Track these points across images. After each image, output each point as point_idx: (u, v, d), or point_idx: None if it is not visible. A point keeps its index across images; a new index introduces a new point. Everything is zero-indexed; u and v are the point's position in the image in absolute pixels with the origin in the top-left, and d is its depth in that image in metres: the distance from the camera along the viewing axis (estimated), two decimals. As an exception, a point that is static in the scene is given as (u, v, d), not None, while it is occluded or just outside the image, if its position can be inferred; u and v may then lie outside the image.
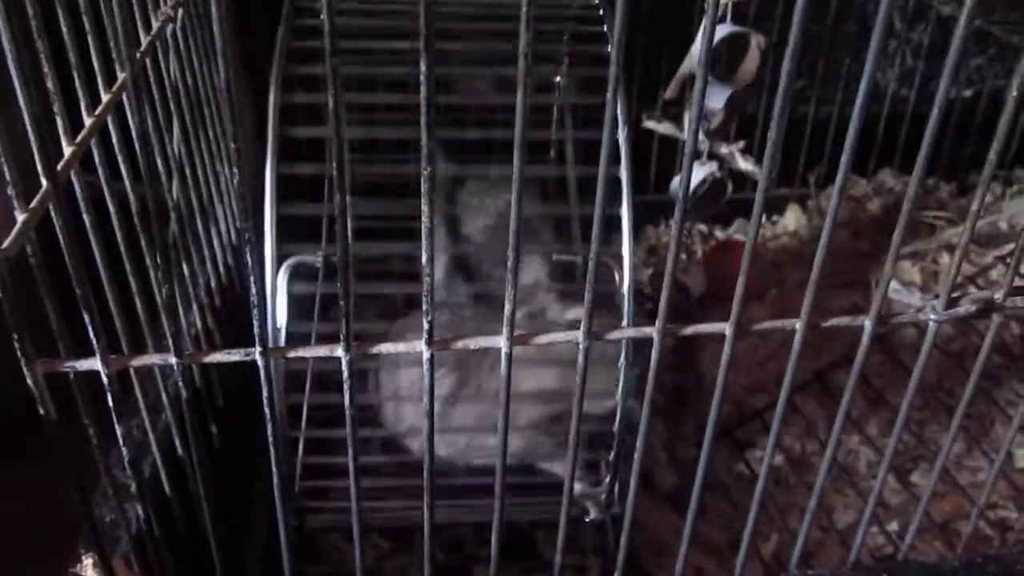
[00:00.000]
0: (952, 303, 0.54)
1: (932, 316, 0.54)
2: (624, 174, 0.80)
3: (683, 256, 1.36)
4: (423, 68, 0.39)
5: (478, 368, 0.89)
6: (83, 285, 0.47)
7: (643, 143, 1.44)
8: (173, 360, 0.49)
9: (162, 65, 0.79)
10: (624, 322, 0.79)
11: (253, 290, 0.46)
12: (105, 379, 0.49)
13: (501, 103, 1.04)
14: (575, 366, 0.52)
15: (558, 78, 1.07)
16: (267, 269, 0.78)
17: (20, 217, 0.46)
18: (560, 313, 0.89)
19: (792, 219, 1.62)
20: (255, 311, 0.47)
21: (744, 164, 1.11)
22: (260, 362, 0.48)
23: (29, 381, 0.47)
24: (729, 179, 1.15)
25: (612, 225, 0.86)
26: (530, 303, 0.91)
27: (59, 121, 0.51)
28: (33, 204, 0.46)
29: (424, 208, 0.43)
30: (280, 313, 0.81)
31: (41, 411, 0.48)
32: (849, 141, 0.46)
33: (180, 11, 0.82)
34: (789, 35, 0.43)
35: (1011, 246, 1.46)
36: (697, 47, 1.05)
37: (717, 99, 1.06)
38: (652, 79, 1.42)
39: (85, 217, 0.54)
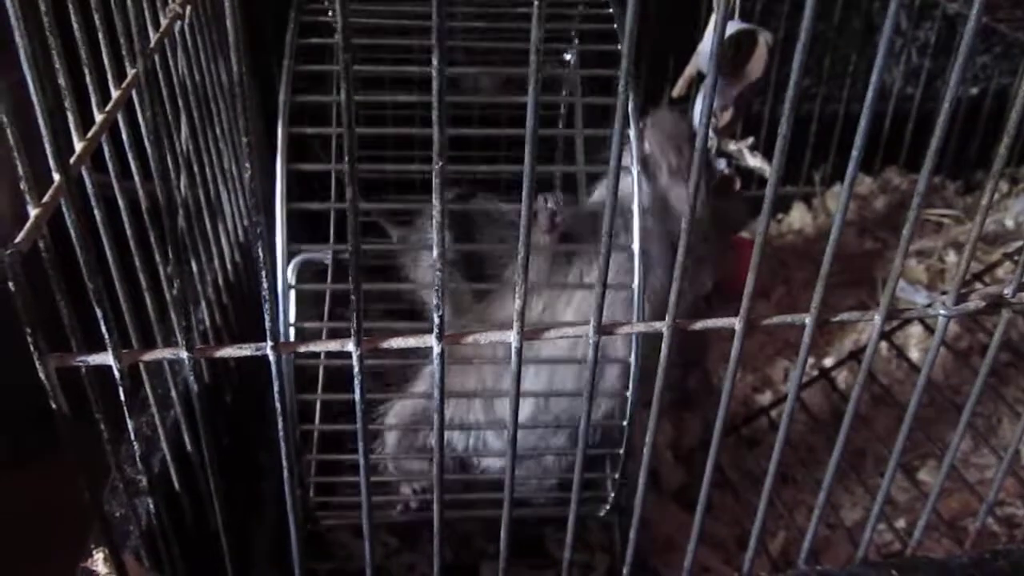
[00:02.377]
0: (961, 298, 0.54)
1: (941, 311, 0.54)
2: (634, 171, 0.80)
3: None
4: (435, 63, 0.40)
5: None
6: (95, 280, 0.47)
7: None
8: (184, 354, 0.49)
9: (171, 62, 0.80)
10: (635, 317, 0.79)
11: (264, 284, 0.46)
12: (116, 373, 0.49)
13: (507, 103, 1.04)
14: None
15: (568, 55, 1.06)
16: (279, 264, 0.78)
17: (32, 212, 0.46)
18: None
19: (798, 217, 1.62)
20: (266, 305, 0.47)
21: (753, 161, 1.11)
22: (271, 357, 0.49)
23: (41, 375, 0.47)
24: (738, 176, 1.15)
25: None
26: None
27: (70, 117, 0.51)
28: (45, 199, 0.46)
29: (435, 202, 0.43)
30: (291, 310, 0.82)
31: (53, 406, 0.49)
32: (858, 139, 0.46)
33: (188, 8, 0.82)
34: (797, 32, 0.43)
35: (1019, 243, 1.46)
36: (705, 45, 1.05)
37: (724, 96, 1.06)
38: (659, 77, 1.42)
39: (96, 212, 0.55)
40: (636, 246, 0.80)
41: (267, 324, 0.47)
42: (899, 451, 0.61)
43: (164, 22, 0.77)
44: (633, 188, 0.80)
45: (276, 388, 0.49)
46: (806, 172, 1.63)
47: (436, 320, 0.48)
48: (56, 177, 0.46)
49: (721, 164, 1.13)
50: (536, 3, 0.40)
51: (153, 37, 0.74)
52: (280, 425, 0.51)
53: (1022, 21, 1.42)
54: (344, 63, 0.38)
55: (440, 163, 0.40)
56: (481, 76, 1.10)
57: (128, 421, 0.54)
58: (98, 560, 0.57)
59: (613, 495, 0.90)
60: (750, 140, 1.13)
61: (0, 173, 0.54)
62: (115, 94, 0.59)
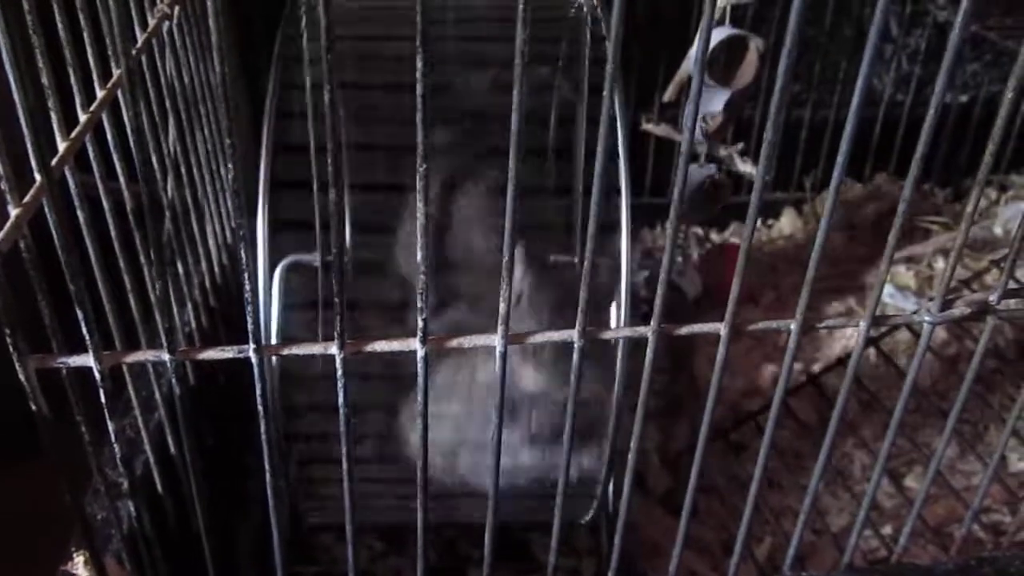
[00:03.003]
0: (947, 305, 0.54)
1: (927, 318, 0.54)
2: (623, 174, 0.80)
3: (679, 259, 1.36)
4: (419, 65, 0.39)
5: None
6: (77, 281, 0.47)
7: (640, 145, 1.44)
8: (166, 357, 0.49)
9: (158, 62, 0.79)
10: (621, 322, 0.79)
11: (247, 287, 0.46)
12: (98, 375, 0.49)
13: (500, 106, 1.04)
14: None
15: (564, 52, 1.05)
16: (260, 266, 0.78)
17: (13, 212, 0.45)
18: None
19: (788, 223, 1.63)
20: (249, 308, 0.46)
21: (743, 167, 1.11)
22: (254, 359, 0.48)
23: (21, 377, 0.47)
24: (729, 182, 1.15)
25: (610, 227, 0.86)
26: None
27: (54, 117, 0.51)
28: (27, 199, 0.46)
29: (419, 204, 0.43)
30: (274, 312, 0.81)
31: (33, 408, 0.48)
32: (844, 144, 0.46)
33: (176, 8, 0.82)
34: (786, 38, 0.43)
35: (1006, 250, 1.46)
36: (695, 50, 1.05)
37: (715, 102, 1.06)
38: (650, 82, 1.42)
39: (79, 213, 0.54)
40: (624, 247, 0.80)
41: (249, 326, 0.47)
42: (885, 457, 0.61)
43: (152, 22, 0.77)
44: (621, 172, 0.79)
45: (258, 391, 0.49)
46: (796, 178, 1.63)
47: (420, 323, 0.47)
48: (38, 178, 0.46)
49: (712, 169, 1.14)
50: (521, 6, 0.39)
51: (140, 37, 0.74)
52: (263, 428, 0.51)
53: (1011, 29, 1.43)
54: (327, 65, 0.38)
55: (424, 166, 0.40)
56: (471, 77, 1.10)
57: (109, 423, 0.53)
58: (79, 563, 0.57)
59: (599, 498, 0.89)
60: (740, 145, 1.13)
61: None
62: (100, 94, 0.58)
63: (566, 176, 1.11)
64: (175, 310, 0.83)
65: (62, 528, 0.60)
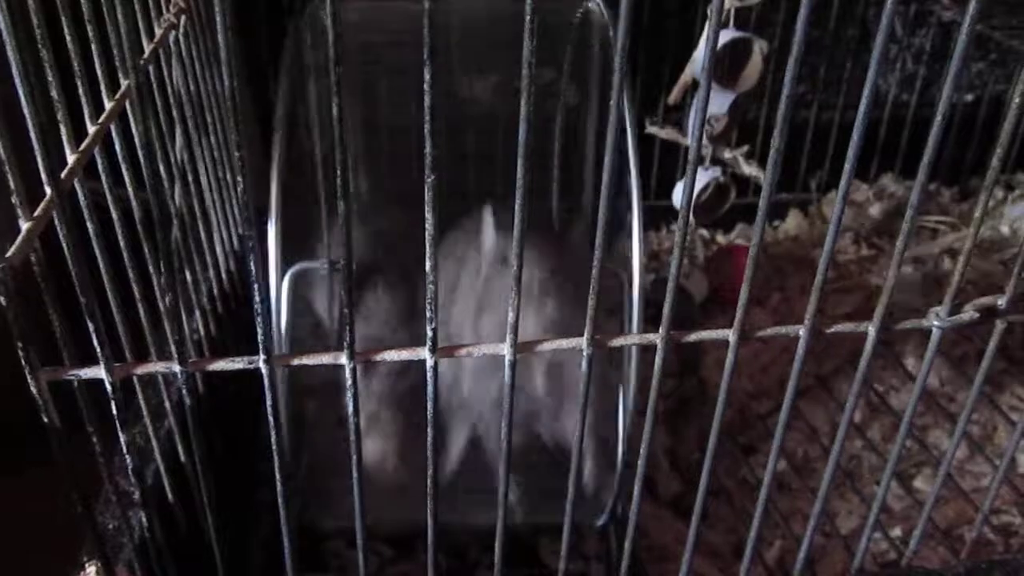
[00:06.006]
0: (955, 309, 0.54)
1: (936, 323, 0.54)
2: (633, 179, 0.80)
3: (685, 261, 1.36)
4: (426, 77, 0.39)
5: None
6: (87, 293, 0.47)
7: (645, 149, 1.44)
8: (177, 368, 0.49)
9: (165, 72, 0.79)
10: (632, 328, 0.79)
11: (257, 298, 0.46)
12: (109, 387, 0.49)
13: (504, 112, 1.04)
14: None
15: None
16: (271, 276, 0.78)
17: (24, 225, 0.46)
18: None
19: (793, 224, 1.63)
20: (259, 319, 0.47)
21: (748, 169, 1.11)
22: (264, 370, 0.48)
23: (33, 389, 0.47)
24: (733, 184, 1.16)
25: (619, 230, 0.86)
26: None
27: (63, 129, 0.51)
28: (37, 212, 0.46)
29: (427, 216, 0.43)
30: (283, 320, 0.81)
31: (45, 419, 0.48)
32: (853, 147, 0.46)
33: (183, 18, 0.82)
34: (791, 40, 0.43)
35: (1013, 251, 1.46)
36: (700, 53, 1.05)
37: (720, 104, 1.06)
38: (654, 85, 1.43)
39: (89, 225, 0.54)
40: (636, 255, 0.80)
41: (259, 337, 0.47)
42: (895, 459, 0.61)
43: (158, 32, 0.77)
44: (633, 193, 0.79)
45: (268, 402, 0.49)
46: (802, 179, 1.63)
47: (429, 332, 0.48)
48: (48, 191, 0.46)
49: (717, 172, 1.14)
50: (528, 15, 0.40)
51: (147, 47, 0.74)
52: (272, 438, 0.51)
53: (1016, 29, 1.42)
54: (335, 77, 0.38)
55: (432, 177, 0.40)
56: (476, 84, 1.10)
57: (121, 435, 0.53)
58: (91, 573, 0.57)
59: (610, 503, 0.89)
60: (745, 148, 1.13)
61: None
62: (108, 105, 0.59)
63: (569, 181, 1.11)
64: (184, 319, 0.83)
65: (73, 537, 0.61)
